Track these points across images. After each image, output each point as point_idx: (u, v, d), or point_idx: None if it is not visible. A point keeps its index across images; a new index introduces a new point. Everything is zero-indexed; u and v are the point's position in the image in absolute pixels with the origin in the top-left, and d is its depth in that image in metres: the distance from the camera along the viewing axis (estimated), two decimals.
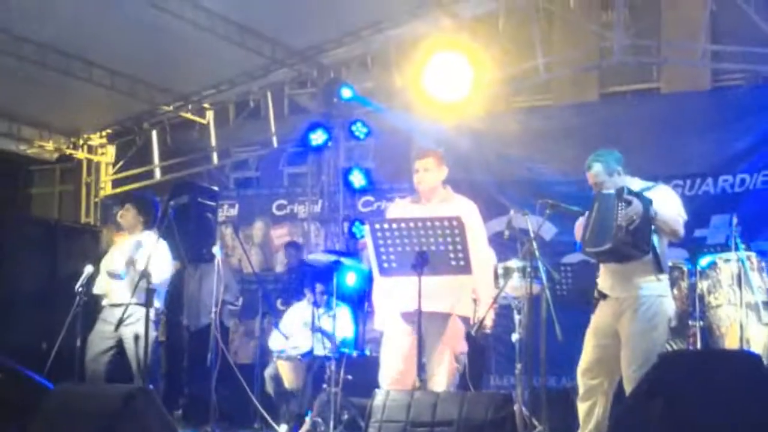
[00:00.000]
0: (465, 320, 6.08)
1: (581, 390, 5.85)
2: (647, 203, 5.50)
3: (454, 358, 6.03)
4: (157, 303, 7.33)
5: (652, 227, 5.58)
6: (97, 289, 7.62)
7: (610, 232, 5.49)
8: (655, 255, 5.65)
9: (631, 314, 5.65)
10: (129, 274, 7.40)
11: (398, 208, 6.45)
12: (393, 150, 12.31)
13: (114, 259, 7.65)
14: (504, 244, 7.46)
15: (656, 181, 5.98)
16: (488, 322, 6.10)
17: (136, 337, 7.27)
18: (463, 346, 6.12)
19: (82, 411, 5.60)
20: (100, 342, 7.49)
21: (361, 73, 11.53)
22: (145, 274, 6.85)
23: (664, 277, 5.76)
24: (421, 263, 5.50)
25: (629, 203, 5.45)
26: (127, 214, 7.76)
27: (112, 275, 7.53)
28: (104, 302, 7.65)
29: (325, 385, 7.92)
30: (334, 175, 11.43)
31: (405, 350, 5.95)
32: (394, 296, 6.03)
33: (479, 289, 6.10)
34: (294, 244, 11.27)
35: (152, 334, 7.28)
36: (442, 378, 5.94)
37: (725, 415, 4.48)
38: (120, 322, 7.16)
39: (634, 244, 5.50)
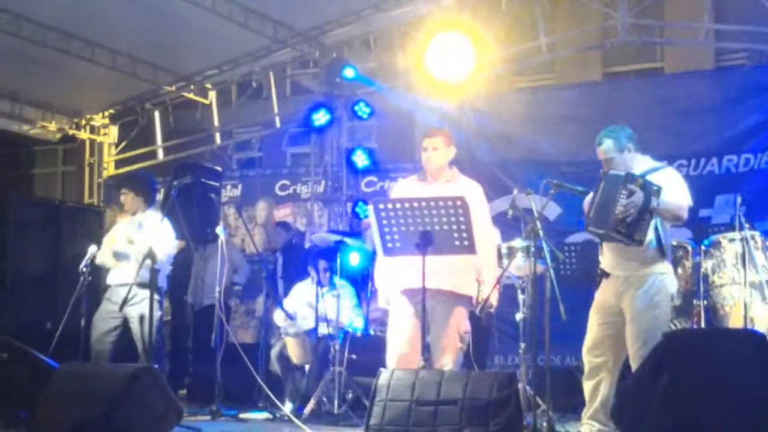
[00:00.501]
0: (469, 300, 6.10)
1: (586, 368, 5.87)
2: (650, 194, 5.46)
3: (458, 338, 6.05)
4: (161, 282, 7.38)
5: (652, 218, 5.56)
6: (98, 260, 7.64)
7: (607, 218, 5.49)
8: (658, 238, 5.65)
9: (634, 292, 5.66)
10: (131, 253, 7.44)
11: (403, 187, 6.46)
12: (396, 130, 12.32)
13: (117, 238, 7.68)
14: (508, 224, 7.48)
15: (661, 162, 5.96)
16: (492, 302, 6.10)
17: (141, 318, 7.34)
18: (467, 326, 6.13)
19: (87, 391, 5.63)
20: (105, 322, 7.53)
21: (363, 53, 11.50)
22: (149, 255, 6.89)
23: (667, 256, 5.76)
24: (425, 243, 5.51)
25: (632, 193, 5.44)
26: (126, 198, 7.80)
27: (118, 255, 7.56)
28: (109, 281, 7.69)
29: (330, 365, 7.95)
30: (337, 155, 11.43)
31: (410, 332, 5.96)
32: (398, 274, 6.04)
33: (482, 269, 6.11)
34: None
35: (157, 313, 7.33)
36: (447, 358, 5.96)
37: (729, 393, 4.50)
38: (125, 302, 7.20)
39: (627, 234, 5.49)
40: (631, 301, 5.65)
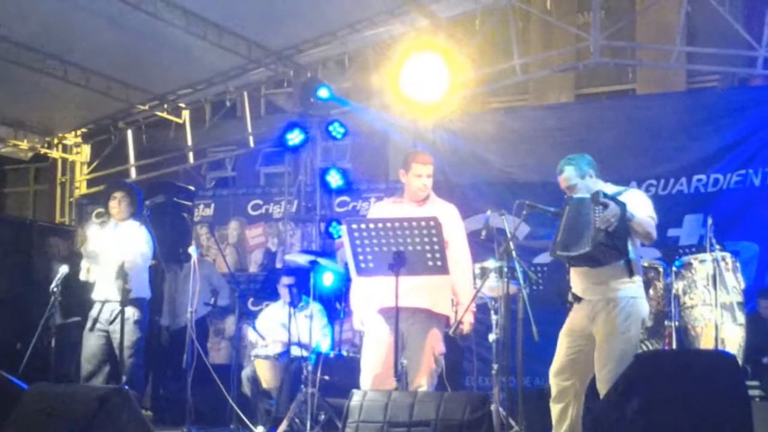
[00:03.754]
0: (445, 320, 6.11)
1: (554, 391, 5.86)
2: (623, 206, 5.51)
3: (433, 359, 6.05)
4: (143, 293, 7.45)
5: (628, 230, 5.59)
6: (82, 276, 7.62)
7: (587, 236, 5.48)
8: (627, 258, 5.66)
9: (605, 316, 5.66)
10: (101, 253, 7.46)
11: (380, 209, 6.46)
12: (370, 150, 12.34)
13: (96, 247, 7.66)
14: (481, 244, 7.48)
15: (629, 182, 6.01)
16: (466, 327, 6.09)
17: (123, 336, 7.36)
18: (442, 348, 6.13)
19: (57, 412, 5.55)
20: (94, 341, 7.52)
21: (338, 73, 11.53)
22: (120, 272, 6.90)
23: (638, 279, 5.76)
24: (398, 263, 5.51)
25: (606, 206, 5.45)
26: (117, 203, 7.75)
27: (89, 254, 7.54)
28: (94, 297, 7.63)
29: (302, 386, 7.91)
30: (311, 175, 11.41)
31: (386, 352, 5.95)
32: (374, 293, 6.03)
33: (459, 290, 6.13)
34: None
35: (137, 334, 7.33)
36: (422, 379, 5.96)
37: (701, 414, 4.52)
38: (111, 321, 7.24)
39: (613, 245, 5.49)
40: (603, 324, 5.65)
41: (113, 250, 7.36)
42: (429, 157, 6.40)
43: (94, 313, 7.59)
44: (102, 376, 7.51)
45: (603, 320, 5.65)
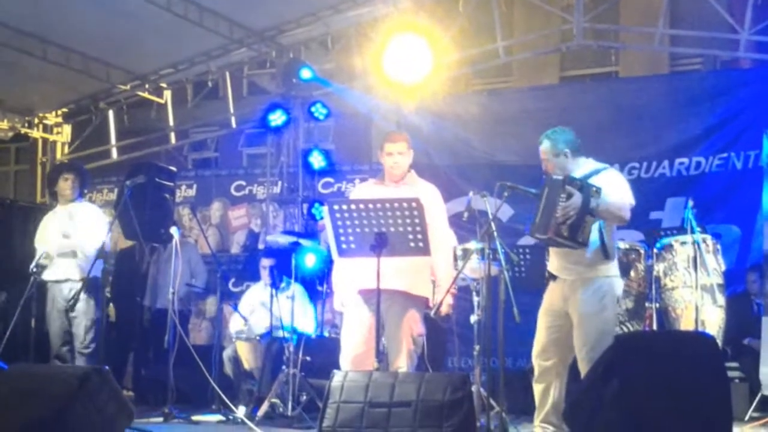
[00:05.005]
0: (423, 301, 6.11)
1: (536, 371, 5.89)
2: (589, 195, 5.48)
3: (411, 340, 6.05)
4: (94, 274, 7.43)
5: (594, 219, 5.58)
6: (42, 260, 7.66)
7: (549, 223, 5.51)
8: (602, 240, 5.66)
9: (580, 295, 5.68)
10: (72, 248, 7.51)
11: (362, 191, 6.45)
12: (353, 131, 12.31)
13: (52, 235, 7.74)
14: (463, 226, 7.50)
15: (612, 165, 6.00)
16: (444, 308, 6.09)
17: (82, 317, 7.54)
18: (421, 329, 6.14)
19: (36, 392, 5.53)
20: (57, 318, 7.65)
21: (321, 54, 11.47)
22: (77, 249, 6.98)
23: (613, 260, 5.77)
24: (380, 244, 5.50)
25: (570, 196, 5.46)
26: (68, 184, 7.88)
27: (61, 255, 7.57)
28: (47, 278, 7.65)
29: (283, 367, 7.91)
30: (294, 156, 11.37)
31: (365, 333, 5.98)
32: (354, 275, 6.03)
33: (438, 271, 6.13)
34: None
35: (95, 314, 7.52)
36: (402, 360, 5.97)
37: (680, 395, 4.53)
38: (72, 301, 7.31)
39: (570, 237, 5.50)
40: (577, 304, 5.68)
41: (78, 246, 7.44)
42: (401, 135, 6.39)
43: (53, 294, 7.69)
44: (68, 348, 7.69)
45: (578, 300, 5.68)
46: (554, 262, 5.86)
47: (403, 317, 6.01)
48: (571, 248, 5.60)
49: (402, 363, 5.96)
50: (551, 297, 5.87)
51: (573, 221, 5.46)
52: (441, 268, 6.14)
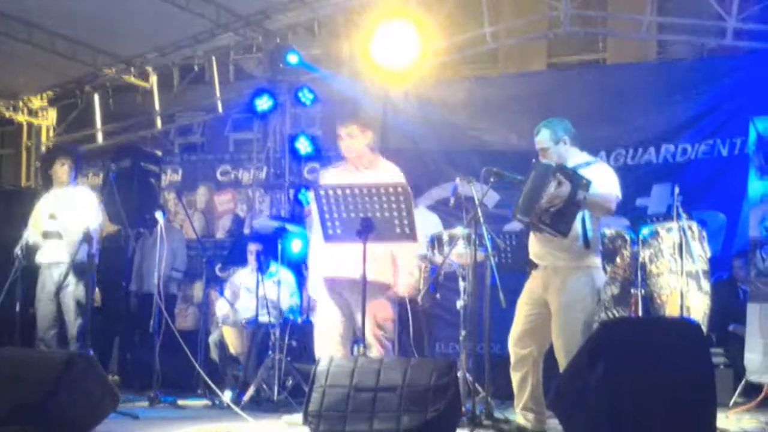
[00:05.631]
0: (385, 287, 6.13)
1: (513, 359, 5.86)
2: (578, 187, 5.46)
3: (377, 326, 6.07)
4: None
5: (579, 210, 5.58)
6: (31, 240, 7.66)
7: (534, 207, 5.49)
8: (584, 231, 5.64)
9: (559, 285, 5.66)
10: (58, 230, 7.53)
11: (327, 177, 6.47)
12: (339, 117, 12.24)
13: (42, 215, 7.72)
14: (449, 212, 7.52)
15: (599, 151, 6.01)
16: (402, 290, 6.14)
17: (76, 302, 7.44)
18: (388, 313, 6.15)
19: (22, 376, 5.52)
20: (46, 302, 7.62)
21: (307, 39, 11.43)
22: (85, 237, 6.94)
23: (595, 251, 5.74)
24: (366, 230, 5.49)
25: (560, 184, 5.44)
26: (64, 169, 7.83)
27: (46, 234, 7.55)
28: (38, 260, 7.62)
29: (270, 352, 7.91)
30: (280, 141, 11.35)
31: (331, 321, 6.12)
32: (321, 262, 6.09)
33: (399, 255, 6.13)
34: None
35: (85, 296, 7.50)
36: (371, 347, 6.03)
37: (665, 381, 4.55)
38: (60, 286, 7.29)
39: (552, 225, 5.48)
40: (556, 294, 5.66)
41: (66, 228, 7.44)
42: (354, 118, 6.45)
43: (43, 277, 7.65)
44: (55, 332, 7.66)
45: (557, 289, 5.66)
46: (536, 249, 5.84)
47: (368, 305, 6.05)
48: (552, 235, 5.58)
49: (372, 350, 6.01)
50: (531, 285, 5.85)
51: (558, 209, 5.44)
52: (399, 254, 6.13)
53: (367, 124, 6.33)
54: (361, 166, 6.24)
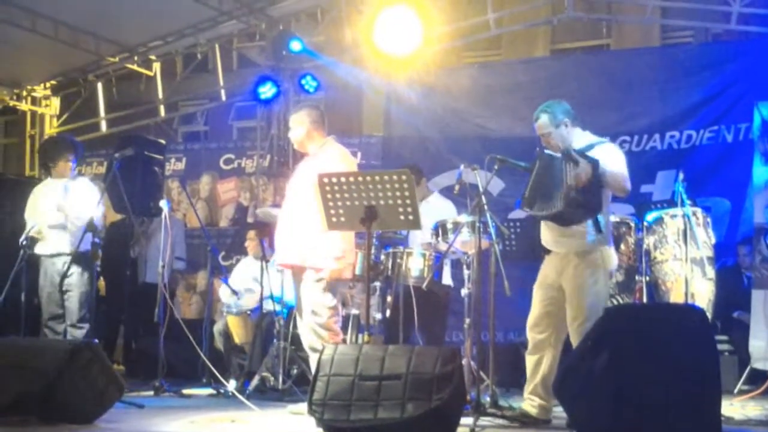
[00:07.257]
0: (316, 273, 6.19)
1: (530, 344, 5.91)
2: (595, 162, 5.48)
3: (312, 313, 6.18)
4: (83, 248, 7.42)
5: (602, 187, 5.57)
6: (33, 232, 7.64)
7: (557, 196, 5.46)
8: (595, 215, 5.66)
9: (573, 269, 5.69)
10: (64, 221, 7.51)
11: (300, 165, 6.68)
12: (343, 105, 12.25)
13: (45, 206, 7.70)
14: (454, 199, 7.50)
15: (603, 137, 5.97)
16: (326, 273, 6.17)
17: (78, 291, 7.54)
18: (321, 299, 6.19)
19: (27, 365, 5.53)
20: (50, 291, 7.62)
21: (310, 26, 11.40)
22: (90, 227, 6.95)
23: (606, 232, 5.74)
24: (370, 217, 5.50)
25: (577, 164, 5.42)
26: (71, 164, 7.87)
27: (52, 227, 7.54)
28: (40, 252, 7.62)
29: (274, 340, 7.91)
30: (284, 129, 11.32)
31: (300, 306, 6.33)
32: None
33: (321, 239, 6.12)
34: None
35: (89, 286, 7.53)
36: (304, 331, 6.27)
37: (669, 367, 4.54)
38: (64, 275, 7.35)
39: (585, 204, 5.47)
40: (571, 277, 5.68)
41: (71, 219, 7.50)
42: (294, 110, 6.77)
43: (45, 268, 7.66)
44: (59, 321, 7.68)
45: (571, 273, 5.68)
46: (547, 236, 5.85)
47: (302, 291, 6.26)
48: (581, 220, 5.57)
49: (304, 332, 6.27)
50: (546, 270, 5.87)
51: (587, 186, 5.41)
52: (322, 237, 6.11)
53: (303, 116, 6.49)
54: (311, 156, 6.46)
